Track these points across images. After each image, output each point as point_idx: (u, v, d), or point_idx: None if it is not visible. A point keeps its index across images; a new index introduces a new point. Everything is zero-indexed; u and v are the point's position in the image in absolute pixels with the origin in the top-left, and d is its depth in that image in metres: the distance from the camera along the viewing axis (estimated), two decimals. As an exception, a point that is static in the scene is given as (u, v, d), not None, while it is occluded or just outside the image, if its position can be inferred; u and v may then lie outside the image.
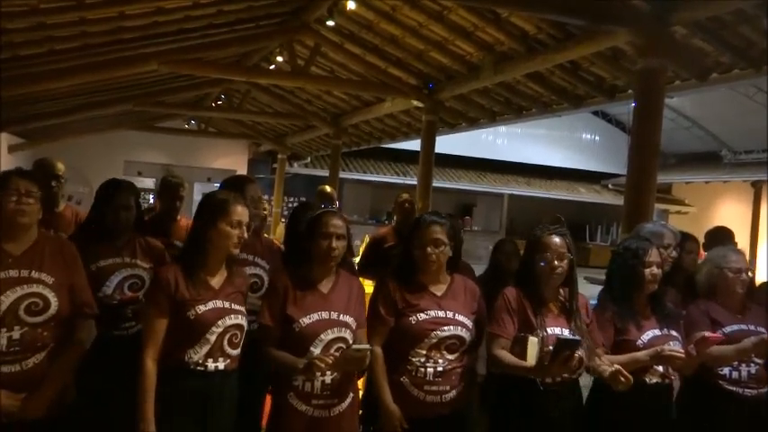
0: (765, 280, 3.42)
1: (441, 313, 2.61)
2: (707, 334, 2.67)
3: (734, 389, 2.84)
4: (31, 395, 2.27)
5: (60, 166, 3.99)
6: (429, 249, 2.61)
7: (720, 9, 4.39)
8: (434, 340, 2.57)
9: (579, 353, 2.46)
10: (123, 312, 2.79)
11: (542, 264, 2.60)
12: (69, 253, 2.49)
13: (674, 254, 3.04)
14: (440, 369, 2.57)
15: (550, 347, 2.44)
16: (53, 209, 3.78)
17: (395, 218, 5.34)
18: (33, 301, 2.30)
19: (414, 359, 2.56)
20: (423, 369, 2.56)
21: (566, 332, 2.59)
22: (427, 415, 2.57)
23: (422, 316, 2.59)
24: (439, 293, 2.67)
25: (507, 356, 2.53)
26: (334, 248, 2.53)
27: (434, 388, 2.57)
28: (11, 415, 2.23)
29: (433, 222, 2.65)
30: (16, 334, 2.27)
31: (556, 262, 2.59)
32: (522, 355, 2.52)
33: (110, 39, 6.14)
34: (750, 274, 2.96)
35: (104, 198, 2.94)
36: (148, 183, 16.63)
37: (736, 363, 2.84)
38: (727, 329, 2.84)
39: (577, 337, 2.47)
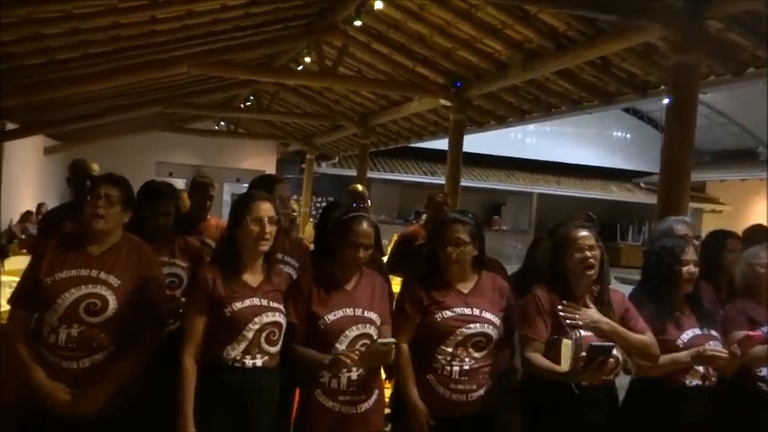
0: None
1: (467, 310, 2.60)
2: (750, 332, 2.61)
3: None
4: (83, 392, 2.33)
5: (95, 167, 4.08)
6: (450, 249, 2.61)
7: (756, 2, 4.28)
8: (460, 337, 2.56)
9: (615, 354, 2.41)
10: None
11: (576, 257, 2.56)
12: (145, 258, 2.56)
13: (695, 242, 2.98)
14: (466, 368, 2.56)
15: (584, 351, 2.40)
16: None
17: (425, 215, 5.32)
18: (92, 302, 2.36)
19: (440, 357, 2.56)
20: (449, 367, 2.55)
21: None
22: (453, 413, 2.57)
23: (447, 313, 2.59)
24: (465, 291, 2.66)
25: (541, 360, 2.50)
26: (360, 258, 2.57)
27: (460, 387, 2.56)
28: (62, 408, 2.30)
29: (455, 221, 2.65)
30: (75, 332, 2.34)
31: (588, 253, 2.55)
32: (556, 358, 2.48)
33: (142, 42, 6.26)
34: None
35: (145, 202, 2.97)
36: (179, 183, 16.88)
37: None
38: (765, 329, 2.77)
39: (610, 343, 2.43)
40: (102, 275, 2.40)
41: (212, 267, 2.50)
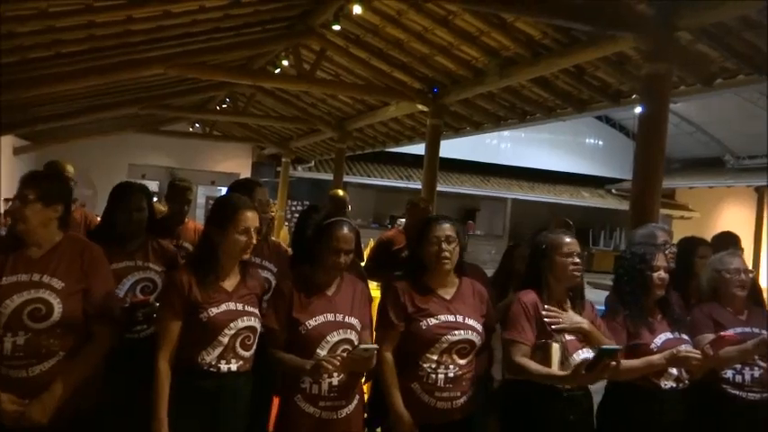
0: (769, 285, 3.43)
1: (451, 317, 2.60)
2: (722, 333, 2.68)
3: (738, 393, 2.85)
4: (33, 401, 2.24)
5: (70, 169, 4.04)
6: (444, 245, 2.59)
7: (725, 15, 4.41)
8: (445, 345, 2.56)
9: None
10: (134, 315, 2.77)
11: (563, 262, 2.60)
12: (89, 257, 2.43)
13: (673, 249, 3.05)
14: (451, 375, 2.56)
15: (581, 354, 2.46)
16: (69, 210, 3.79)
17: (404, 220, 5.34)
18: (36, 307, 2.26)
19: (425, 365, 2.55)
20: (434, 375, 2.55)
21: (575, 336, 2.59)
22: (437, 421, 2.57)
23: (432, 321, 2.58)
24: (448, 297, 2.66)
25: (535, 365, 2.51)
26: (342, 263, 2.57)
27: (445, 394, 2.56)
28: (13, 420, 2.21)
29: (443, 218, 2.67)
30: (21, 339, 2.24)
31: (575, 258, 2.61)
32: (544, 361, 2.51)
33: (117, 42, 6.18)
34: (749, 275, 2.98)
35: (117, 201, 2.96)
36: (152, 186, 16.68)
37: (739, 366, 2.85)
38: (731, 332, 2.85)
39: (618, 346, 2.48)
40: (45, 279, 2.29)
41: (188, 270, 2.48)
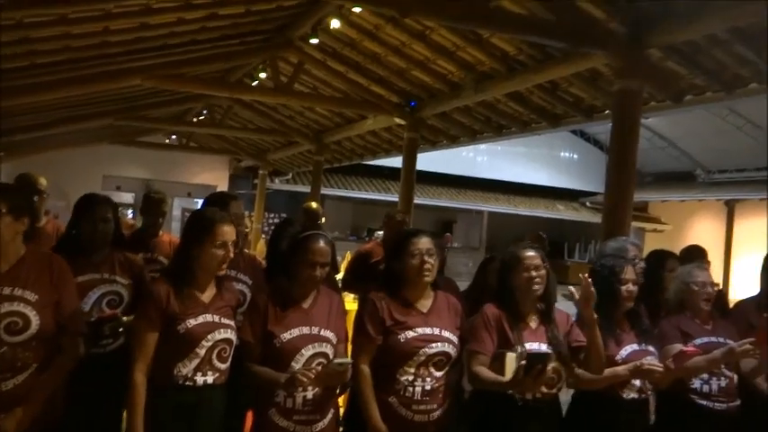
0: (739, 296, 3.52)
1: (428, 330, 2.61)
2: (684, 348, 2.74)
3: (705, 403, 2.91)
4: (7, 415, 2.20)
5: (42, 181, 3.99)
6: (426, 258, 2.61)
7: (694, 33, 4.53)
8: (423, 358, 2.56)
9: (552, 365, 2.49)
10: (101, 330, 2.74)
11: (523, 277, 2.64)
12: (58, 269, 2.42)
13: (642, 264, 3.12)
14: (428, 388, 2.56)
15: (524, 362, 2.46)
16: (34, 223, 3.75)
17: (382, 233, 5.37)
18: (13, 320, 2.23)
19: (402, 378, 2.55)
20: (411, 388, 2.55)
21: (543, 346, 2.63)
22: None
23: (410, 333, 2.58)
24: (425, 310, 2.67)
25: (485, 372, 2.55)
26: (317, 276, 2.57)
27: (422, 407, 2.56)
28: None
29: (422, 232, 2.69)
30: None
31: (534, 273, 2.64)
32: (500, 370, 2.53)
33: (94, 53, 6.14)
34: (714, 288, 3.07)
35: (82, 211, 2.90)
36: (127, 197, 16.51)
37: (706, 377, 2.91)
38: (698, 342, 2.94)
39: (547, 351, 2.51)
40: (18, 292, 2.27)
41: (164, 282, 2.48)
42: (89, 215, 2.88)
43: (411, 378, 2.55)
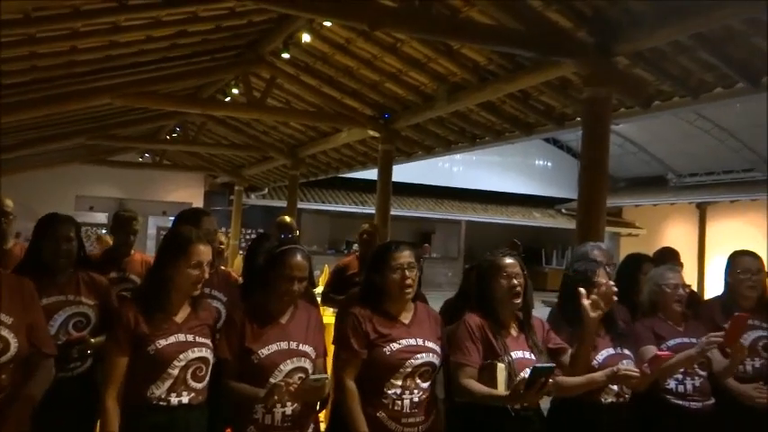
0: (712, 296, 3.58)
1: (412, 341, 2.58)
2: (658, 352, 2.77)
3: (680, 402, 2.94)
4: None
5: (8, 203, 3.91)
6: (407, 272, 2.59)
7: (659, 40, 4.62)
8: (409, 369, 2.53)
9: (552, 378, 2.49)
10: (69, 353, 2.67)
11: (503, 285, 2.63)
12: (28, 291, 2.37)
13: (608, 269, 3.15)
14: (416, 400, 2.53)
15: (522, 374, 2.45)
16: (1, 246, 3.68)
17: (358, 246, 5.39)
18: None
19: (389, 391, 2.51)
20: (399, 401, 2.51)
21: (527, 354, 2.63)
22: None
23: (395, 345, 2.55)
24: (407, 321, 2.64)
25: (478, 386, 2.51)
26: (295, 291, 2.54)
27: (412, 420, 2.52)
28: None
29: (403, 246, 2.66)
30: None
31: (514, 281, 2.63)
32: (490, 382, 2.52)
33: (62, 72, 6.08)
34: (686, 290, 3.11)
35: (43, 232, 2.83)
36: (101, 217, 16.28)
37: (681, 377, 2.94)
38: (670, 342, 2.97)
39: (552, 364, 2.49)
40: None
41: (133, 304, 2.44)
42: (51, 235, 2.81)
43: (399, 391, 2.52)
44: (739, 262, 3.25)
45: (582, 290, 2.62)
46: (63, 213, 3.00)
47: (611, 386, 2.71)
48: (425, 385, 2.57)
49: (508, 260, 2.68)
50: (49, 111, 7.13)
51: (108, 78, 6.73)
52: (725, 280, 3.32)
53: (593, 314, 2.57)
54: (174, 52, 6.61)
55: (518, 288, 2.63)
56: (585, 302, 2.58)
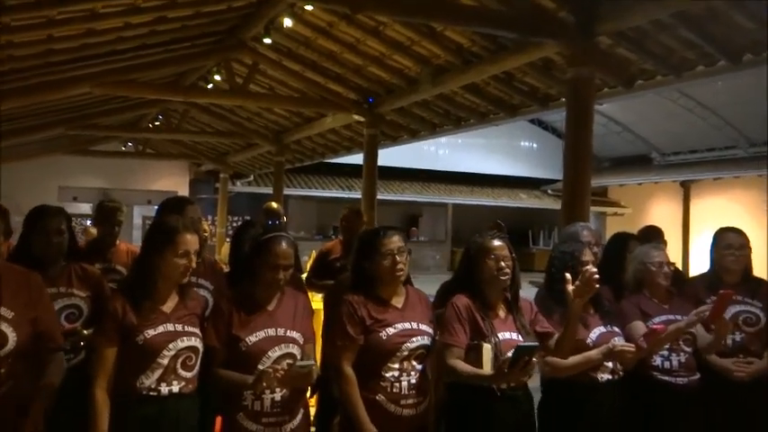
0: (697, 273, 3.62)
1: (407, 325, 2.61)
2: (654, 326, 2.80)
3: (667, 378, 2.98)
4: None
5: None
6: (398, 258, 2.60)
7: (640, 19, 4.63)
8: (405, 353, 2.57)
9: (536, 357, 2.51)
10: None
11: (491, 267, 2.65)
12: (36, 286, 2.38)
13: (595, 249, 3.17)
14: (413, 381, 2.57)
15: (508, 354, 2.47)
16: None
17: (340, 231, 5.38)
18: None
19: (387, 374, 2.54)
20: (397, 384, 2.54)
21: (513, 335, 2.65)
22: (405, 429, 2.57)
23: (391, 330, 2.57)
24: (399, 306, 2.67)
25: (463, 366, 2.55)
26: (281, 279, 2.55)
27: (410, 401, 2.56)
28: None
29: (393, 231, 2.66)
30: None
31: (502, 263, 2.65)
32: (477, 362, 2.54)
33: (39, 62, 5.97)
34: (671, 267, 3.14)
35: (33, 225, 2.81)
36: (85, 208, 16.12)
37: (666, 353, 2.99)
38: (656, 320, 3.00)
39: (535, 343, 2.52)
40: None
41: (121, 295, 2.43)
42: (41, 228, 2.79)
43: (396, 374, 2.55)
44: (724, 238, 3.28)
45: (567, 275, 2.63)
46: (53, 206, 2.97)
47: (606, 363, 2.74)
48: (420, 367, 2.61)
49: (496, 242, 2.69)
50: (27, 101, 7.02)
51: (86, 67, 6.62)
52: (710, 256, 3.35)
53: (577, 299, 2.59)
54: (153, 39, 6.51)
55: (506, 270, 2.65)
56: (570, 288, 2.60)
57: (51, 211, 2.87)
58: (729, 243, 3.24)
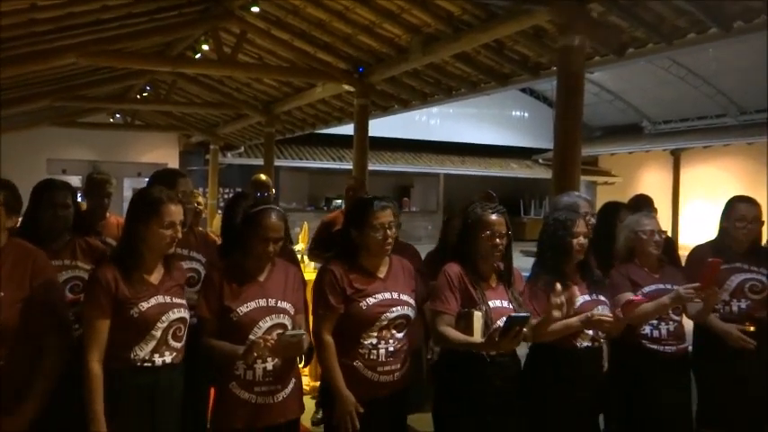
0: (687, 241, 3.63)
1: (387, 295, 2.65)
2: (632, 297, 2.83)
3: (655, 347, 3.03)
4: (4, 418, 2.20)
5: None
6: (388, 232, 2.63)
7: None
8: (384, 322, 2.62)
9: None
10: None
11: (487, 241, 2.66)
12: (37, 264, 2.39)
13: (592, 220, 3.18)
14: (391, 349, 2.63)
15: (498, 322, 2.51)
16: None
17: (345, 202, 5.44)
18: None
19: (365, 342, 2.61)
20: (375, 351, 2.61)
21: (504, 303, 2.69)
22: (381, 394, 2.64)
23: (371, 300, 2.62)
24: (382, 276, 2.70)
25: (454, 333, 2.59)
26: (271, 251, 2.57)
27: (387, 368, 2.63)
28: None
29: (384, 206, 2.66)
30: None
31: (497, 240, 2.67)
32: (467, 329, 2.58)
33: (22, 32, 5.85)
34: (662, 236, 3.14)
35: (40, 198, 2.84)
36: (74, 181, 15.99)
37: (656, 322, 3.03)
38: (646, 289, 3.03)
39: (527, 314, 2.55)
40: None
41: (111, 267, 2.42)
42: (47, 202, 2.82)
43: (374, 341, 2.61)
44: (738, 209, 3.23)
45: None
46: (59, 179, 3.03)
47: (586, 331, 2.78)
48: (400, 335, 2.66)
49: (495, 217, 2.70)
50: (11, 72, 6.88)
51: (71, 37, 6.50)
52: (720, 224, 3.30)
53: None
54: (138, 8, 6.39)
55: (500, 247, 2.68)
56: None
57: (57, 185, 2.92)
58: (743, 215, 3.19)
